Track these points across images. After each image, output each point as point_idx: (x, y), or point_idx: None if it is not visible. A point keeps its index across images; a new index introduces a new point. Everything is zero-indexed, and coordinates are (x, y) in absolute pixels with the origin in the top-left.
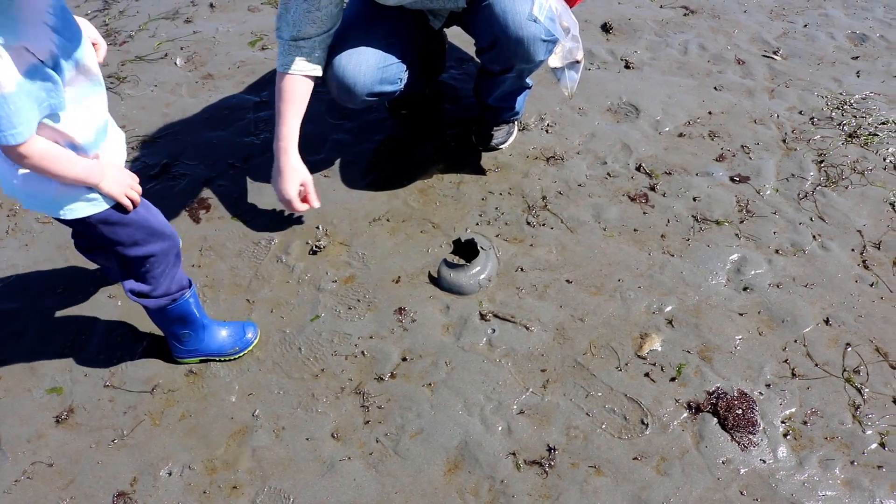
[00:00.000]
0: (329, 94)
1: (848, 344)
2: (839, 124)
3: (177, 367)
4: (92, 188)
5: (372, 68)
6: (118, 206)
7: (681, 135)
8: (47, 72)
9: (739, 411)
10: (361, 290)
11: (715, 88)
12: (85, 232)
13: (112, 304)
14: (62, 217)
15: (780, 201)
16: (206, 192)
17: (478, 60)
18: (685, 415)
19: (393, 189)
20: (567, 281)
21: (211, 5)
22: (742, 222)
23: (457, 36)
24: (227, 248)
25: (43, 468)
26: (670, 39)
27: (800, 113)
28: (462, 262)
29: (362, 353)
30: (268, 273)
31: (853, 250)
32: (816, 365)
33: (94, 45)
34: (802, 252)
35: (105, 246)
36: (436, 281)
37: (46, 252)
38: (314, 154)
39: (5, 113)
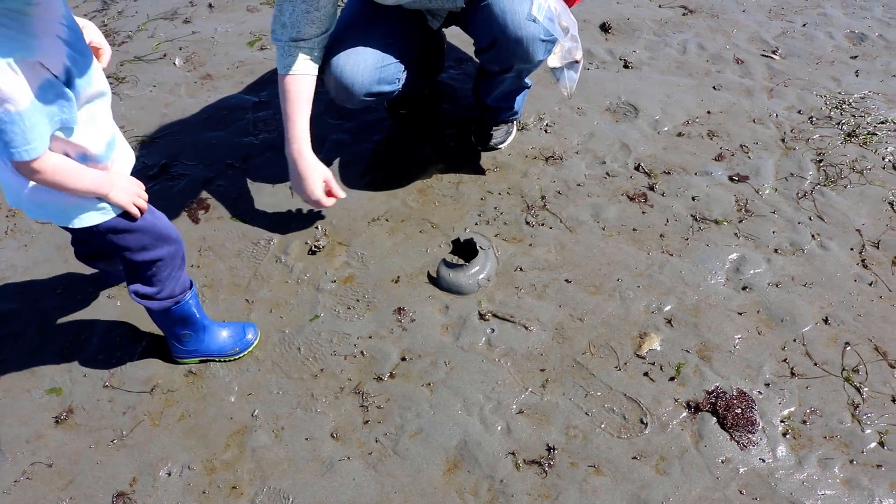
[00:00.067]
0: (328, 95)
1: (847, 343)
2: (838, 123)
3: (176, 367)
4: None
5: (370, 68)
6: (126, 214)
7: (680, 134)
8: (61, 87)
9: (738, 410)
10: (360, 290)
11: (714, 88)
12: (91, 239)
13: (111, 304)
14: (72, 227)
15: (779, 201)
16: (205, 193)
17: (476, 60)
18: (684, 414)
19: (392, 189)
20: (566, 280)
21: (210, 5)
22: (741, 222)
23: (455, 36)
24: (226, 249)
25: (42, 468)
26: (669, 39)
27: (798, 112)
28: (461, 261)
29: (361, 352)
30: (267, 273)
31: (852, 249)
32: (815, 364)
33: (98, 50)
34: (801, 251)
35: (112, 252)
36: (435, 281)
37: (46, 252)
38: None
39: (20, 129)
